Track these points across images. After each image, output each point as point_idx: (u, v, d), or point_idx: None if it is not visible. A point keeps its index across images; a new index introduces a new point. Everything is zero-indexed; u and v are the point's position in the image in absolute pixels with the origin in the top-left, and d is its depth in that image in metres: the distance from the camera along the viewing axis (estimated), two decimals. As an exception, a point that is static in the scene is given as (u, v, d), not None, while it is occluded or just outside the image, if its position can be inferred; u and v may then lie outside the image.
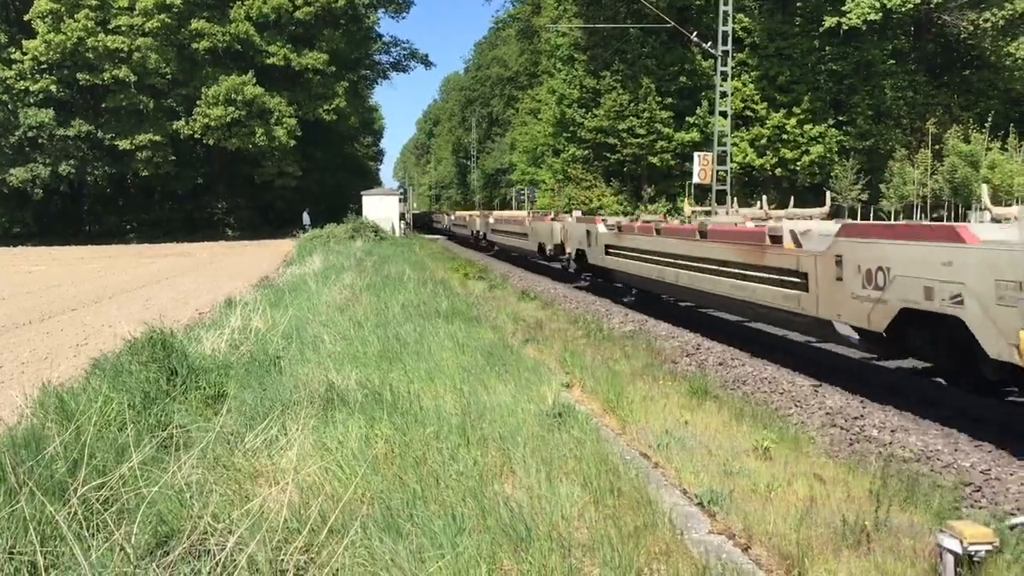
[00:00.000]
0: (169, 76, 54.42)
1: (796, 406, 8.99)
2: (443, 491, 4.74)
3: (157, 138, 54.04)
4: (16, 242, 53.77)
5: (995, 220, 12.60)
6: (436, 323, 10.96)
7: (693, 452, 6.39)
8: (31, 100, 53.04)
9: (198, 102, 54.45)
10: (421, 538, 4.08)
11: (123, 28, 52.43)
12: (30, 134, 53.00)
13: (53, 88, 52.89)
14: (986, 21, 41.22)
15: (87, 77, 52.67)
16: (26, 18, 53.06)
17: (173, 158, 55.86)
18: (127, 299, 19.88)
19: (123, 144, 53.49)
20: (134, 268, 31.34)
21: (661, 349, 12.35)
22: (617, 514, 4.63)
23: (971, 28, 42.16)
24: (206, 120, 53.94)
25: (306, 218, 52.46)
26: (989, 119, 37.18)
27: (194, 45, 54.91)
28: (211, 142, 55.83)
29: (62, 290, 22.69)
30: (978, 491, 6.32)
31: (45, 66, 52.77)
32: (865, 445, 7.49)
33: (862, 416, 8.37)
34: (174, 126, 55.24)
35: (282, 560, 3.93)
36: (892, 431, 7.83)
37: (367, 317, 11.28)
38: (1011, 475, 6.59)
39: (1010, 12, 40.83)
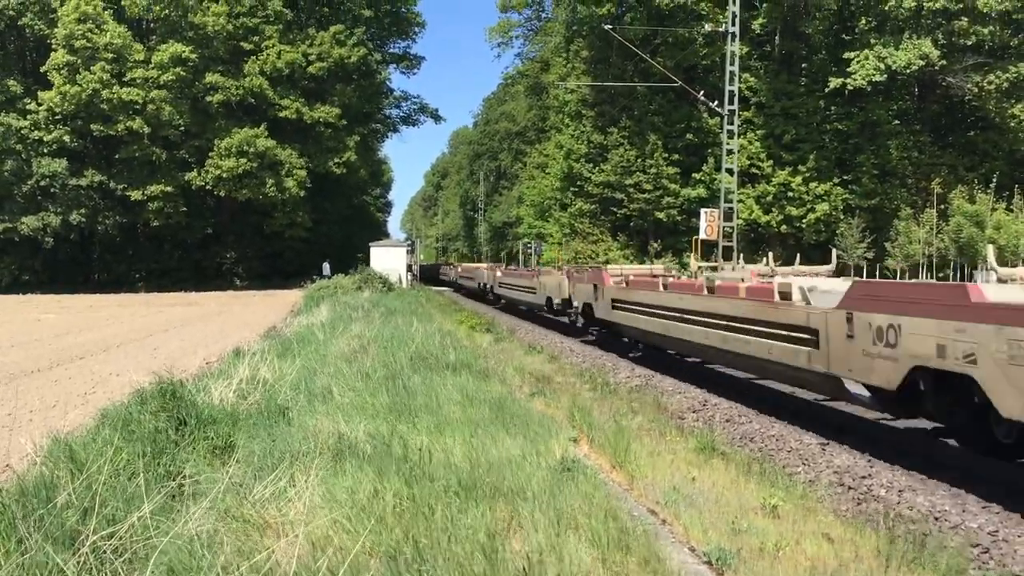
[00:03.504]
0: (182, 128, 55.15)
1: (804, 464, 8.98)
2: (452, 545, 4.74)
3: (169, 189, 54.61)
4: (25, 290, 54.02)
5: (1001, 280, 12.64)
6: (444, 375, 10.98)
7: (701, 509, 6.38)
8: (45, 150, 53.71)
9: (210, 153, 55.08)
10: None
11: (138, 81, 53.26)
12: (43, 183, 53.60)
13: (67, 138, 53.60)
14: (990, 83, 41.71)
15: (101, 128, 53.38)
16: (42, 69, 53.97)
17: (184, 209, 56.37)
18: (135, 348, 19.95)
19: (135, 195, 54.06)
20: (142, 317, 31.46)
21: (668, 405, 12.36)
22: (626, 571, 4.63)
23: (975, 90, 42.65)
24: (218, 171, 54.52)
25: (326, 268, 52.46)
26: (994, 180, 37.43)
27: (208, 98, 55.70)
28: (222, 193, 56.35)
29: (70, 338, 22.78)
30: (986, 552, 6.30)
31: (59, 117, 53.53)
32: (873, 504, 7.48)
33: (870, 475, 8.35)
34: (186, 177, 55.81)
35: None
36: (900, 491, 7.81)
37: (375, 368, 11.31)
38: (1019, 537, 6.56)
39: (1014, 75, 41.33)
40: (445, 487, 5.87)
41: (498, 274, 37.34)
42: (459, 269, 56.80)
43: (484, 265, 51.98)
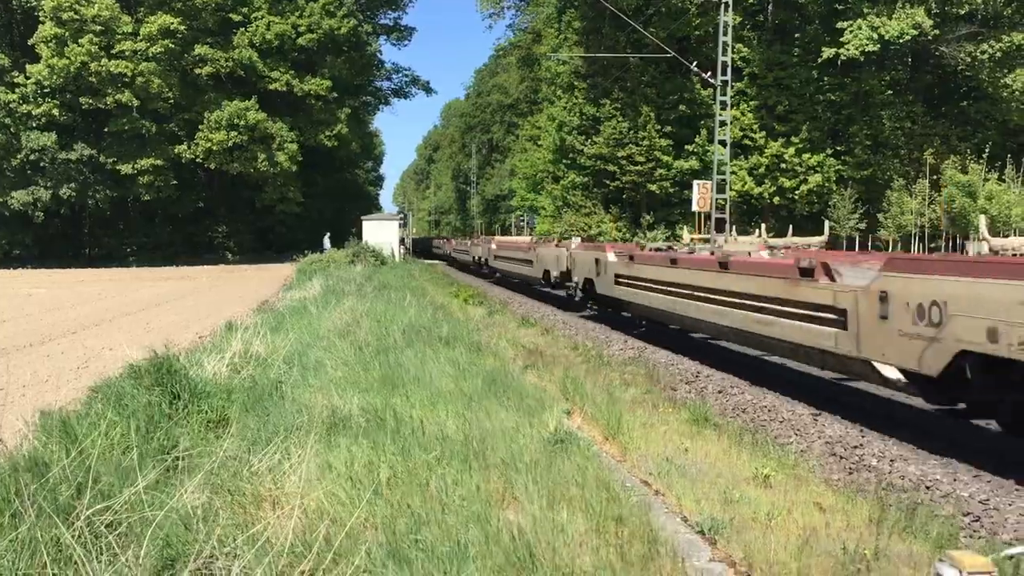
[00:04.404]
0: (172, 101, 54.76)
1: (796, 434, 9.02)
2: (447, 516, 4.77)
3: (159, 162, 54.31)
4: (16, 264, 53.83)
5: (992, 251, 12.70)
6: (437, 348, 10.99)
7: (694, 480, 6.41)
8: (33, 124, 53.33)
9: (200, 127, 54.79)
10: (426, 564, 4.11)
11: (127, 53, 52.81)
12: (32, 157, 53.24)
13: (56, 112, 53.19)
14: (983, 53, 41.62)
15: (90, 101, 52.99)
16: (30, 42, 53.47)
17: (175, 182, 56.10)
18: (127, 322, 19.91)
19: (125, 168, 53.75)
20: (134, 291, 31.37)
21: (661, 377, 12.39)
22: (619, 541, 4.66)
23: (968, 60, 42.57)
24: (208, 145, 54.26)
25: (326, 242, 52.20)
26: (986, 150, 37.44)
27: (197, 70, 55.32)
28: (213, 166, 56.10)
29: (62, 313, 22.72)
30: (977, 521, 6.35)
31: (48, 90, 53.10)
32: (864, 474, 7.52)
33: (861, 445, 8.40)
34: (176, 150, 55.51)
35: (288, 584, 3.95)
36: (891, 460, 7.86)
37: (368, 342, 11.30)
38: (1010, 505, 6.61)
39: (1007, 44, 41.23)
40: (439, 458, 5.89)
41: (610, 258, 18.24)
42: (493, 246, 34.70)
43: (522, 240, 35.37)
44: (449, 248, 54.98)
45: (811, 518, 5.63)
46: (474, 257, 40.02)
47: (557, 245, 24.61)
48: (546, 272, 24.16)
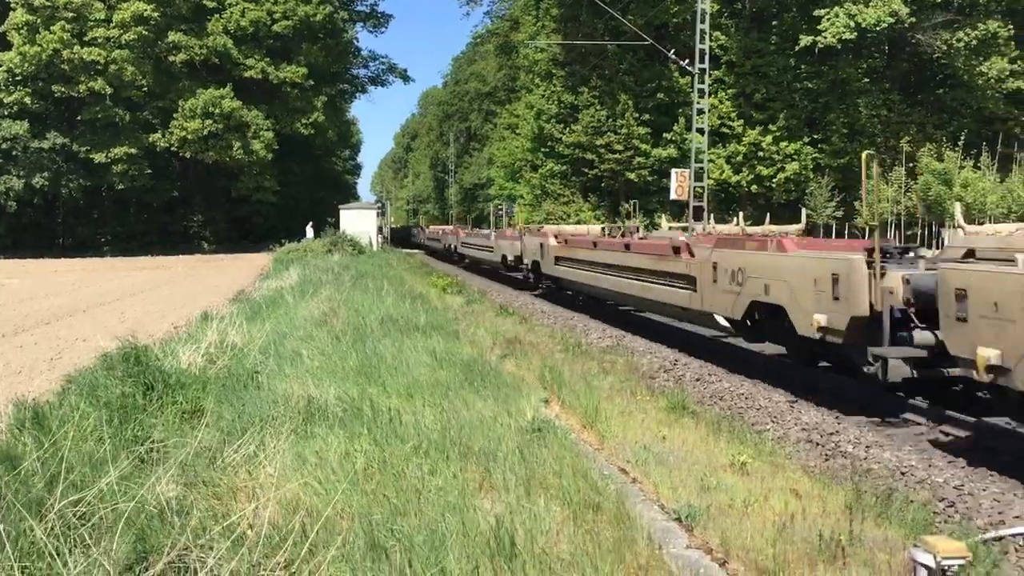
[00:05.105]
0: (145, 89, 54.19)
1: (773, 421, 9.06)
2: (424, 506, 4.74)
3: (133, 151, 53.76)
4: (-12, 254, 53.23)
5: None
6: (415, 337, 10.95)
7: (671, 467, 6.42)
8: (5, 112, 52.67)
9: (175, 115, 54.28)
10: (405, 553, 4.09)
11: (100, 40, 52.20)
12: (4, 146, 52.56)
13: (28, 100, 52.54)
14: (959, 41, 41.85)
15: (63, 89, 52.36)
16: (1, 29, 52.70)
17: (149, 171, 55.54)
18: (102, 313, 19.71)
19: (98, 157, 53.17)
20: (108, 281, 31.07)
21: (639, 365, 12.41)
22: (597, 529, 4.66)
23: (944, 48, 42.78)
24: (183, 133, 53.77)
25: (309, 231, 51.67)
26: (962, 138, 37.68)
27: (171, 58, 54.77)
28: (188, 155, 55.62)
29: (36, 303, 22.47)
30: (951, 506, 6.40)
31: (20, 78, 52.42)
32: (840, 460, 7.57)
33: (837, 432, 8.44)
34: (150, 139, 54.96)
35: (264, 576, 3.91)
36: (867, 447, 7.90)
37: (345, 332, 11.25)
38: (984, 491, 6.67)
39: (983, 32, 41.48)
40: (416, 448, 5.87)
41: None
42: (551, 242, 21.91)
43: (591, 231, 25.40)
44: (453, 240, 40.44)
45: (788, 504, 5.65)
46: (505, 258, 28.03)
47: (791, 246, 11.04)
48: (788, 317, 10.07)
